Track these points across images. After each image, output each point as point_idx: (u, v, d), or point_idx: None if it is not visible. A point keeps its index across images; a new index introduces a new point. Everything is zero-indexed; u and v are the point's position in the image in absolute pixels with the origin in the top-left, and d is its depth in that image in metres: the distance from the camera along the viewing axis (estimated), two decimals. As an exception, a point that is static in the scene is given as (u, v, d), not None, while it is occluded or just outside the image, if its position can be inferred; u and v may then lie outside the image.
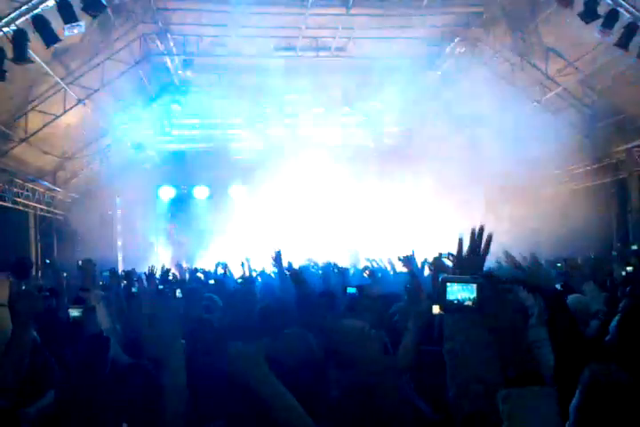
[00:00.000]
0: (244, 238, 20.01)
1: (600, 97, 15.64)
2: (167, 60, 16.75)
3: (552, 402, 1.84)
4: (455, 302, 2.04)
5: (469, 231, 2.32)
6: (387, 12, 15.26)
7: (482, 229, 2.30)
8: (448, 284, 2.04)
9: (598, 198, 16.97)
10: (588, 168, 18.10)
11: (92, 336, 3.79)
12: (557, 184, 19.84)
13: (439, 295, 2.08)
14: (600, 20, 11.80)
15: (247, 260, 9.80)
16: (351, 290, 5.98)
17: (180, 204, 21.04)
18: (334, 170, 20.67)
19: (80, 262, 5.71)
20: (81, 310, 4.44)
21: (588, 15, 11.75)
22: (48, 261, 17.09)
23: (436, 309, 4.14)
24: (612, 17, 11.81)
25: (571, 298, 5.21)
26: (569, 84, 15.89)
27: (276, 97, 19.06)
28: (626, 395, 1.94)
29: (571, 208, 17.02)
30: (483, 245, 2.30)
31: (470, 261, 2.28)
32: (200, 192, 21.67)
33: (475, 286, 2.02)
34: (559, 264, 11.09)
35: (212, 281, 9.77)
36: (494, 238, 2.29)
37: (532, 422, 1.82)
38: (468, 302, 2.02)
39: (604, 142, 16.79)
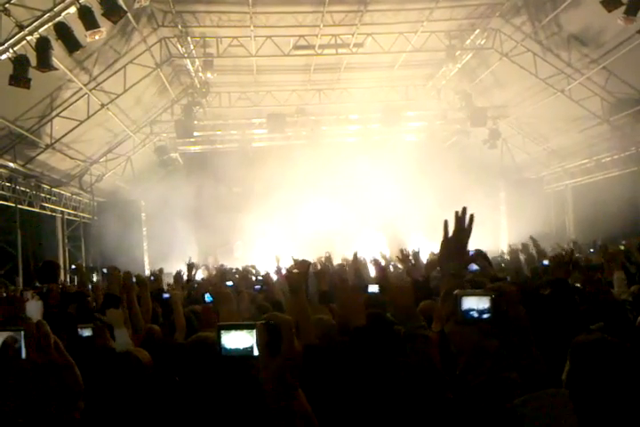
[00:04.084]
0: (269, 237, 20.15)
1: (624, 85, 15.41)
2: (188, 62, 16.84)
3: (567, 404, 1.88)
4: (469, 315, 2.05)
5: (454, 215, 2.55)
6: (404, 7, 15.20)
7: (464, 210, 2.53)
8: (463, 297, 2.06)
9: (626, 187, 16.73)
10: (616, 157, 17.86)
11: (103, 354, 3.68)
12: (585, 173, 19.67)
13: (454, 309, 2.10)
14: (623, 8, 11.63)
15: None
16: (374, 288, 5.98)
17: (204, 204, 21.15)
18: (355, 165, 20.74)
19: (105, 270, 5.72)
20: (91, 328, 4.14)
21: (611, 2, 11.59)
22: (74, 266, 17.31)
23: None
24: (636, 4, 11.64)
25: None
26: (592, 73, 15.67)
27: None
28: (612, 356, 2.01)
29: (599, 197, 16.86)
30: (467, 223, 2.51)
31: (456, 238, 2.50)
32: (224, 193, 21.78)
33: (488, 298, 2.04)
34: (592, 250, 11.01)
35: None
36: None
37: (551, 425, 1.86)
38: (484, 315, 2.04)
39: (630, 131, 16.56)
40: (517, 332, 2.02)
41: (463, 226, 2.52)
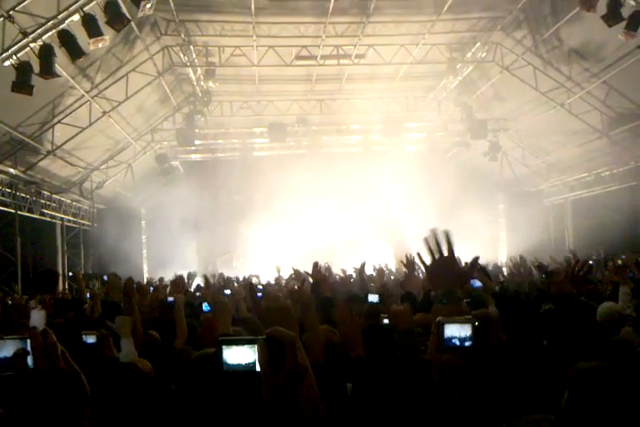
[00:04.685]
0: (269, 246, 20.17)
1: (624, 100, 15.48)
2: (190, 70, 16.93)
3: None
4: (451, 343, 2.03)
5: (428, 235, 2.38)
6: (406, 19, 15.31)
7: (434, 234, 2.35)
8: (445, 325, 2.04)
9: (625, 201, 16.76)
10: (615, 171, 17.91)
11: (107, 364, 3.65)
12: (584, 187, 19.71)
13: (436, 337, 2.08)
14: (624, 23, 11.71)
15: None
16: (373, 298, 5.91)
17: (204, 213, 21.15)
18: (355, 175, 20.80)
19: (105, 277, 5.70)
20: (95, 336, 4.10)
21: (612, 18, 11.66)
22: (71, 273, 17.26)
23: None
24: (636, 19, 11.70)
25: (602, 306, 5.18)
26: (592, 87, 15.75)
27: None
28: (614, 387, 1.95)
29: (598, 210, 16.89)
30: (446, 243, 2.35)
31: (440, 265, 2.36)
32: (224, 202, 21.81)
33: (470, 326, 2.02)
34: (591, 262, 11.02)
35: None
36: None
37: None
38: (465, 343, 2.02)
39: (629, 146, 16.62)
40: (499, 359, 2.00)
41: (441, 252, 2.35)
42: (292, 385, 1.57)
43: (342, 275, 12.37)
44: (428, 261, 2.42)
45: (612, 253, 12.39)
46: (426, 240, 2.36)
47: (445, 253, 2.35)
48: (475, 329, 2.01)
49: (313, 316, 3.87)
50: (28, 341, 1.28)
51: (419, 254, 2.44)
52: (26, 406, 1.21)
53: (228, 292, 8.41)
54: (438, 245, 2.35)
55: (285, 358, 1.58)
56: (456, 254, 2.39)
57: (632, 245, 16.02)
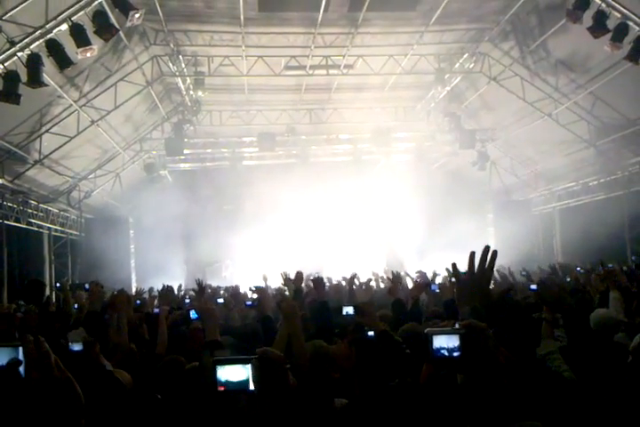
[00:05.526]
0: (258, 256, 20.12)
1: (610, 110, 15.63)
2: (179, 80, 16.92)
3: None
4: (440, 353, 2.05)
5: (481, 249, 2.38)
6: (395, 30, 15.40)
7: (486, 249, 2.37)
8: (433, 336, 2.05)
9: (612, 211, 16.89)
10: (602, 181, 18.04)
11: (94, 371, 3.61)
12: (572, 196, 19.85)
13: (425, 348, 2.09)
14: (609, 34, 11.83)
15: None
16: (349, 309, 5.66)
17: (193, 222, 21.07)
18: (345, 184, 20.85)
19: (87, 285, 5.61)
20: (82, 343, 4.04)
21: (598, 29, 11.77)
22: (59, 284, 17.12)
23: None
24: (622, 30, 11.83)
25: (595, 313, 5.20)
26: (579, 98, 15.89)
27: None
28: None
29: (586, 219, 16.99)
30: (489, 261, 2.36)
31: (474, 280, 2.35)
32: (213, 211, 21.75)
33: (458, 336, 2.04)
34: (578, 268, 11.06)
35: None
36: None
37: None
38: (454, 353, 2.04)
39: (615, 156, 16.76)
40: (488, 368, 2.01)
41: (483, 267, 2.34)
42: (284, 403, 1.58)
43: (335, 283, 12.34)
44: (463, 273, 2.44)
45: (599, 263, 12.45)
46: (473, 254, 2.37)
47: (484, 272, 2.36)
48: (462, 339, 2.02)
49: (298, 325, 3.86)
50: (20, 349, 1.26)
51: (454, 266, 2.46)
52: (19, 417, 1.19)
53: (220, 300, 8.38)
54: (483, 261, 2.36)
55: (276, 378, 1.58)
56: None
57: (619, 254, 16.12)
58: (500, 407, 2.00)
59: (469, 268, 2.37)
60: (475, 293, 2.34)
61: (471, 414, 2.05)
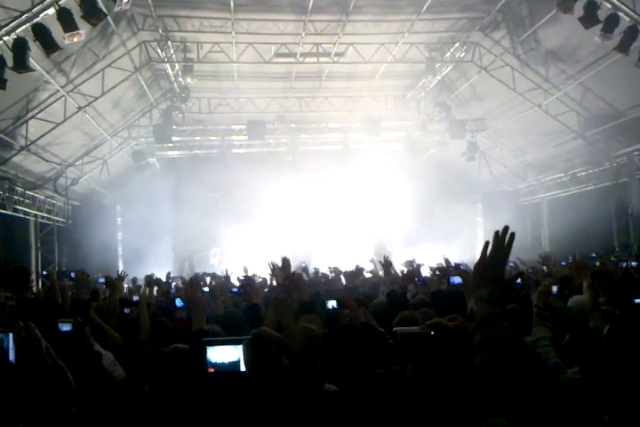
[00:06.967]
0: (246, 244, 20.07)
1: (600, 101, 15.66)
2: (167, 66, 16.75)
3: None
4: (408, 352, 2.08)
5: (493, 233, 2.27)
6: (386, 18, 15.31)
7: (506, 229, 2.25)
8: (401, 334, 2.08)
9: (600, 201, 16.98)
10: (590, 172, 18.11)
11: (83, 352, 3.57)
12: (560, 187, 19.93)
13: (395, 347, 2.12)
14: (600, 25, 11.82)
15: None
16: (331, 302, 5.60)
17: (181, 210, 20.97)
18: (334, 173, 20.82)
19: (73, 274, 5.57)
20: (71, 323, 4.01)
21: (589, 20, 11.76)
22: (45, 272, 17.01)
23: None
24: (612, 21, 11.82)
25: (572, 299, 5.25)
26: (569, 88, 15.90)
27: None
28: None
29: (574, 210, 17.08)
30: (506, 245, 2.25)
31: (493, 260, 2.24)
32: (201, 199, 21.63)
33: (426, 335, 2.06)
34: (564, 263, 11.17)
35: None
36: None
37: None
38: (422, 352, 2.07)
39: (604, 146, 16.82)
40: (454, 367, 2.02)
41: (502, 246, 2.25)
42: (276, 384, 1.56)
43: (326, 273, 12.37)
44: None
45: (584, 253, 12.52)
46: (496, 234, 2.25)
47: (503, 252, 2.26)
48: (430, 339, 2.04)
49: (289, 317, 3.83)
50: (10, 335, 1.23)
51: (486, 243, 2.29)
52: (10, 404, 1.16)
53: (206, 289, 8.35)
54: (502, 241, 2.25)
55: (270, 358, 1.56)
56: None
57: (606, 244, 16.23)
58: (464, 405, 2.00)
59: (486, 250, 2.27)
60: (493, 273, 2.25)
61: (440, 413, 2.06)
